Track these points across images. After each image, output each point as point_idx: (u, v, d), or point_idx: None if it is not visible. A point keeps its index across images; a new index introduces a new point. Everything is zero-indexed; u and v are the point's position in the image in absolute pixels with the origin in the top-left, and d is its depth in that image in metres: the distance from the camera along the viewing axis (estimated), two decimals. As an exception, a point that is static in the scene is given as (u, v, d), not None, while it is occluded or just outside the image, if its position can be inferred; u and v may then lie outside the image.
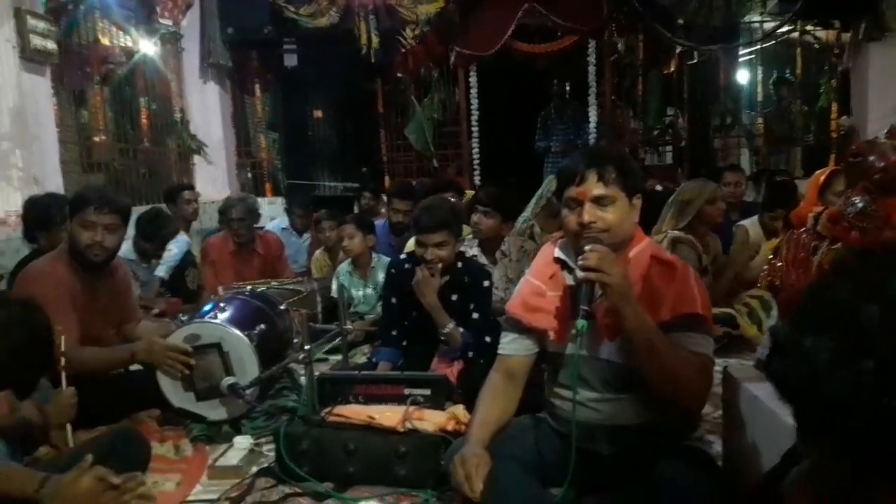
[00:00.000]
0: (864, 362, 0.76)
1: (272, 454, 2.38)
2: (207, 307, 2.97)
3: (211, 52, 6.99)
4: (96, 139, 5.89)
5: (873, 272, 0.83)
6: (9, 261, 3.65)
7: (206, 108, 7.28)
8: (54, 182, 4.34)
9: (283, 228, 5.74)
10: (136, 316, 3.11)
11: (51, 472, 1.74)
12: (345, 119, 7.42)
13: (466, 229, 3.75)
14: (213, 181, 7.16)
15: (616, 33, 7.01)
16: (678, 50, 7.37)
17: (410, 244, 4.13)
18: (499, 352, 2.06)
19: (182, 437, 2.61)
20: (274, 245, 4.82)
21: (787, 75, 7.55)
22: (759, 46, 7.27)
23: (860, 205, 1.44)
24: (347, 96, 7.43)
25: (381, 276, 3.97)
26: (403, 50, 6.83)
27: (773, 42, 7.31)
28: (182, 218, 5.34)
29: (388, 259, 3.91)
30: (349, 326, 3.32)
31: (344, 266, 4.24)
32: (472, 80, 7.13)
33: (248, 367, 2.65)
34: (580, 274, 1.75)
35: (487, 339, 2.84)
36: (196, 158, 7.21)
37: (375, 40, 6.75)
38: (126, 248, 4.09)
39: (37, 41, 4.19)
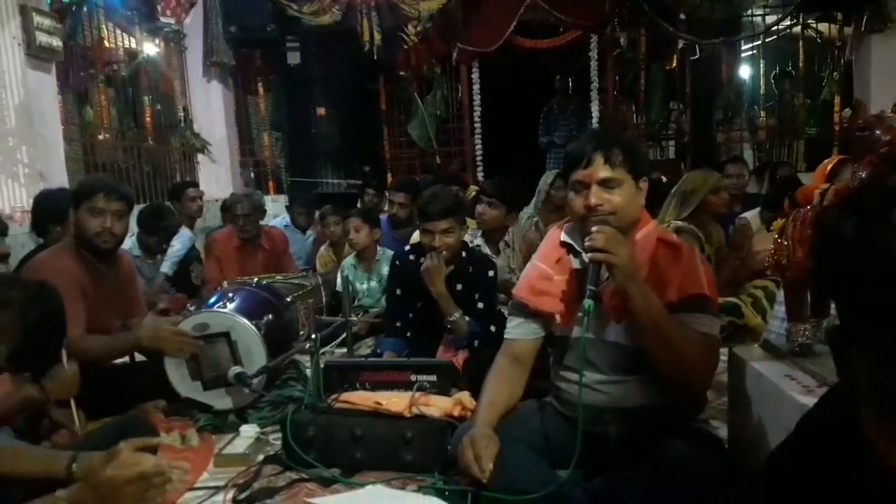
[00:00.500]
0: None
1: (278, 443, 2.38)
2: (215, 298, 2.98)
3: (214, 50, 7.00)
4: (100, 137, 5.91)
5: None
6: (15, 255, 3.66)
7: (209, 107, 7.31)
8: (59, 179, 4.36)
9: (286, 226, 5.75)
10: (141, 308, 3.12)
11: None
12: (347, 116, 7.43)
13: (470, 221, 3.76)
14: (216, 179, 7.18)
15: (618, 28, 7.03)
16: (680, 45, 7.38)
17: (415, 236, 4.14)
18: (505, 336, 2.07)
19: (188, 426, 2.62)
20: (278, 240, 4.82)
21: (790, 69, 7.55)
22: (760, 41, 7.28)
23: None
24: (350, 94, 7.43)
25: (385, 270, 3.98)
26: (406, 47, 6.84)
27: (776, 36, 7.32)
28: (186, 215, 5.36)
29: (392, 252, 3.91)
30: (354, 318, 3.34)
31: (349, 259, 4.25)
32: (475, 76, 7.16)
33: (255, 356, 2.65)
34: (587, 256, 1.76)
35: (492, 328, 2.86)
36: (200, 157, 7.23)
37: (378, 37, 6.76)
38: (129, 244, 4.12)
39: (42, 38, 4.21)
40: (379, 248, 4.24)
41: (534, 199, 5.01)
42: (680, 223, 3.48)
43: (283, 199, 7.35)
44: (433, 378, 2.32)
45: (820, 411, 1.12)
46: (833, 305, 0.80)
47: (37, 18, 4.21)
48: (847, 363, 0.79)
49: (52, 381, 2.23)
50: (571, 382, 1.91)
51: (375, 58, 6.90)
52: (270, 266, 4.63)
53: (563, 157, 1.97)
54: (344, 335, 3.32)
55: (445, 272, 2.84)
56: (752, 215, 4.29)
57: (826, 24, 7.00)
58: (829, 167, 2.20)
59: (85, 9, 5.43)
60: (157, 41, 6.71)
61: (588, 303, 1.69)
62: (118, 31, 6.13)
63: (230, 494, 2.06)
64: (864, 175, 1.39)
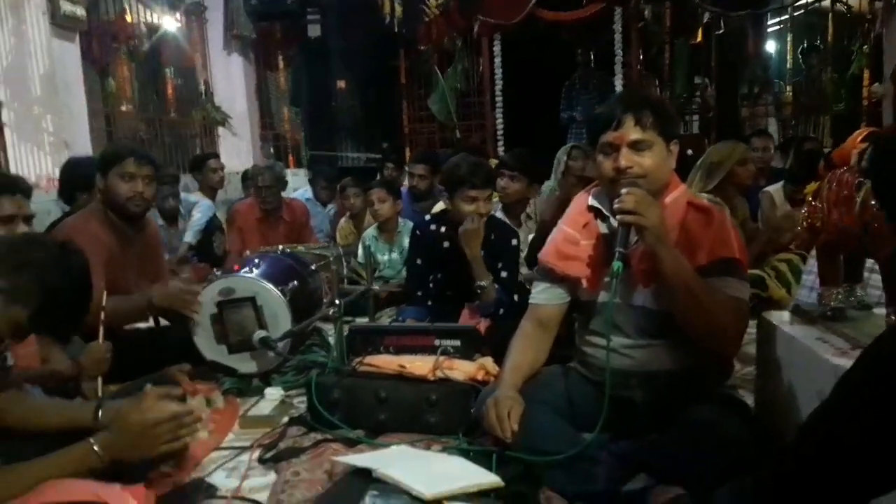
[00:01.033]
0: None
1: (303, 405, 2.40)
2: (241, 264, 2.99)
3: (235, 23, 7.00)
4: (122, 108, 5.94)
5: None
6: (41, 223, 3.70)
7: (230, 81, 7.32)
8: (83, 148, 4.39)
9: (307, 199, 5.77)
10: (165, 274, 3.15)
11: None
12: (367, 90, 7.41)
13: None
14: (237, 153, 7.20)
15: (642, 1, 6.90)
16: (705, 19, 7.25)
17: (437, 207, 4.13)
18: (530, 301, 2.07)
19: (213, 389, 2.64)
20: (299, 211, 4.84)
21: (818, 43, 7.40)
22: (788, 15, 7.13)
23: (908, 135, 1.41)
24: (370, 67, 7.40)
25: (406, 241, 3.98)
26: (427, 19, 6.78)
27: (803, 11, 7.17)
28: (208, 186, 5.39)
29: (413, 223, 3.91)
30: (375, 287, 3.35)
31: (370, 231, 4.27)
32: (496, 49, 7.07)
33: (280, 321, 2.67)
34: (616, 219, 1.74)
35: (515, 297, 2.85)
36: (220, 130, 7.25)
37: (399, 10, 6.71)
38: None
39: (66, 7, 4.23)
40: (400, 219, 4.24)
41: (553, 172, 4.99)
42: (705, 196, 3.43)
43: (302, 173, 7.37)
44: (457, 343, 2.32)
45: (858, 372, 1.11)
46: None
47: (60, -14, 4.22)
48: None
49: (86, 357, 2.27)
50: (597, 347, 1.91)
51: (396, 30, 6.85)
52: (292, 238, 4.64)
53: (590, 123, 1.94)
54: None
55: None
56: (774, 189, 4.24)
57: (856, -1, 6.85)
58: (861, 136, 2.16)
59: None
60: (177, 15, 6.71)
61: (616, 264, 1.67)
62: (140, 5, 6.13)
63: (256, 454, 2.08)
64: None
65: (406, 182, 5.54)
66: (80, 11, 4.39)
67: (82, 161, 3.61)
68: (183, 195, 4.87)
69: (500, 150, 7.08)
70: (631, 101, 1.83)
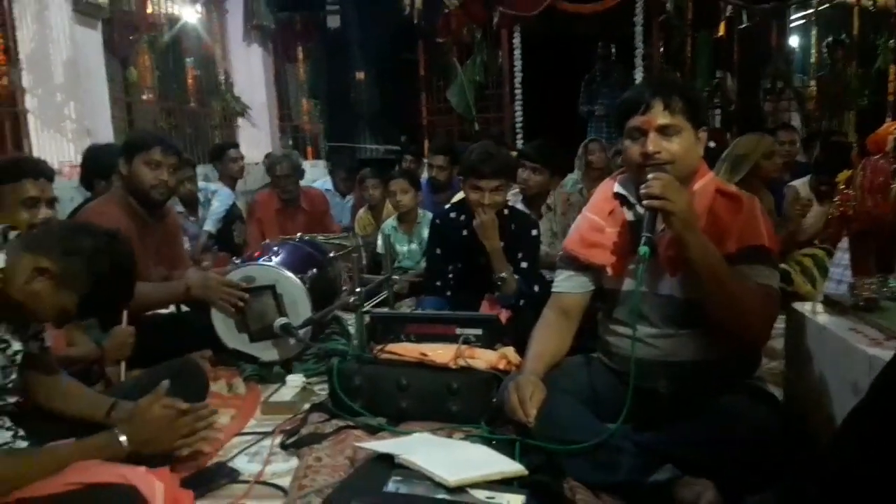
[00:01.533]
0: None
1: (324, 393, 2.40)
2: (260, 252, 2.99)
3: (254, 13, 7.01)
4: (143, 98, 5.97)
5: None
6: (63, 209, 3.72)
7: (249, 71, 7.34)
8: (105, 135, 4.41)
9: (327, 190, 5.77)
10: (185, 263, 3.15)
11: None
12: (386, 82, 7.40)
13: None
14: (256, 144, 7.22)
15: (664, -8, 6.84)
16: (728, 13, 7.17)
17: (457, 196, 4.12)
18: (553, 289, 2.05)
19: (235, 376, 2.66)
20: (318, 201, 4.84)
21: (843, 37, 7.29)
22: (813, 10, 7.04)
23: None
24: (389, 58, 7.39)
25: (425, 232, 3.97)
26: (446, 11, 6.76)
27: (828, 5, 7.07)
28: (228, 176, 5.40)
29: (433, 214, 3.90)
30: (395, 277, 3.34)
31: (390, 222, 4.26)
32: (516, 41, 7.01)
33: (300, 309, 2.67)
34: (640, 209, 1.71)
35: (536, 288, 2.83)
36: (240, 121, 7.28)
37: (418, 1, 6.68)
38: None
39: (89, -7, 4.25)
40: (420, 210, 4.24)
41: (576, 165, 4.98)
42: (730, 188, 3.40)
43: (321, 164, 7.38)
44: (478, 332, 2.30)
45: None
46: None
47: (83, -26, 4.24)
48: None
49: (110, 341, 2.29)
50: (622, 336, 1.88)
51: (415, 22, 6.83)
52: (311, 227, 4.64)
53: (617, 107, 1.90)
54: (385, 293, 3.32)
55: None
56: (800, 184, 4.17)
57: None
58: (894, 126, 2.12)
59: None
60: (198, 6, 6.73)
61: (643, 249, 1.64)
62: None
63: (278, 439, 2.09)
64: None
65: (425, 174, 5.53)
66: (101, -1, 4.42)
67: (103, 148, 3.62)
68: (203, 184, 4.89)
69: (519, 142, 7.03)
70: (660, 85, 1.80)
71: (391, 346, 2.30)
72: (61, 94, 4.19)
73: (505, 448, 1.79)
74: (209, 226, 4.57)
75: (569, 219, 3.52)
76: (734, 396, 1.72)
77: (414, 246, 4.22)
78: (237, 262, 2.98)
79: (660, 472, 1.61)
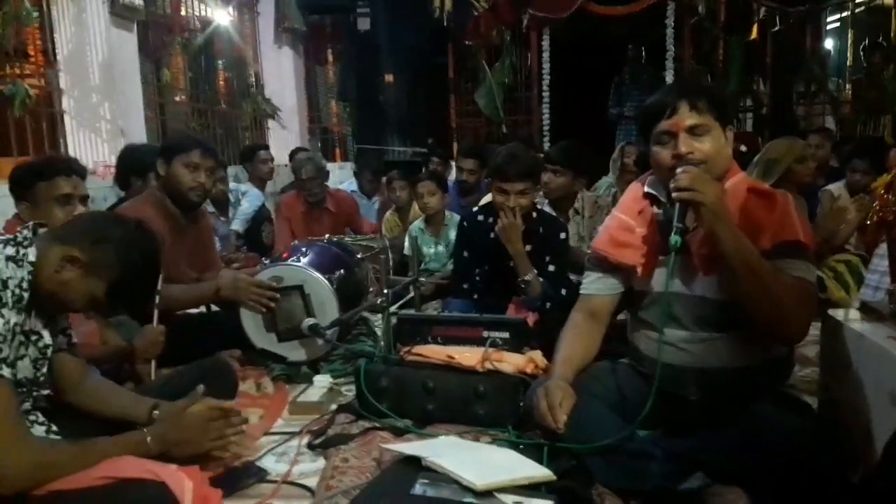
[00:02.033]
0: None
1: (351, 393, 2.40)
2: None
3: (285, 16, 7.07)
4: (176, 99, 6.06)
5: None
6: (98, 208, 3.78)
7: (280, 74, 7.40)
8: (139, 136, 4.48)
9: (353, 191, 5.79)
10: (217, 266, 3.18)
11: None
12: (416, 84, 7.41)
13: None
14: (286, 145, 7.28)
15: (696, -5, 6.76)
16: (760, 16, 7.06)
17: (485, 199, 4.10)
18: (581, 291, 2.03)
19: (263, 375, 2.67)
20: (345, 203, 4.85)
21: (881, 40, 7.15)
22: (849, 13, 6.91)
23: None
24: (419, 61, 7.40)
25: (452, 234, 3.97)
26: (476, 13, 6.75)
27: (863, 7, 6.94)
28: (258, 177, 5.46)
29: (459, 216, 3.89)
30: (422, 279, 3.34)
31: (417, 223, 4.27)
32: (545, 43, 7.00)
33: (328, 309, 2.68)
34: (673, 196, 1.67)
35: (563, 291, 2.81)
36: (270, 123, 7.34)
37: (448, 3, 6.69)
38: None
39: (125, -3, 4.32)
40: (447, 212, 4.23)
41: (611, 168, 4.96)
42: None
43: (349, 167, 7.42)
44: (506, 335, 2.29)
45: None
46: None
47: (120, -22, 4.31)
48: None
49: (140, 340, 2.32)
50: (651, 340, 1.86)
51: (445, 25, 6.83)
52: (338, 229, 4.67)
53: (642, 114, 1.88)
54: (411, 295, 3.32)
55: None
56: (835, 187, 4.09)
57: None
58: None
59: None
60: (230, 9, 6.81)
61: (675, 238, 1.62)
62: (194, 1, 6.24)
63: (305, 440, 2.09)
64: None
65: (452, 176, 5.52)
66: (138, 1, 4.49)
67: (138, 148, 3.68)
68: (233, 185, 4.94)
69: (546, 145, 7.00)
70: (684, 87, 1.80)
71: (418, 348, 2.30)
72: (97, 95, 4.27)
73: (532, 452, 1.77)
74: (237, 225, 4.62)
75: (596, 222, 3.48)
76: (767, 404, 1.69)
77: (441, 248, 4.22)
78: (266, 262, 3.01)
79: (690, 480, 1.58)
